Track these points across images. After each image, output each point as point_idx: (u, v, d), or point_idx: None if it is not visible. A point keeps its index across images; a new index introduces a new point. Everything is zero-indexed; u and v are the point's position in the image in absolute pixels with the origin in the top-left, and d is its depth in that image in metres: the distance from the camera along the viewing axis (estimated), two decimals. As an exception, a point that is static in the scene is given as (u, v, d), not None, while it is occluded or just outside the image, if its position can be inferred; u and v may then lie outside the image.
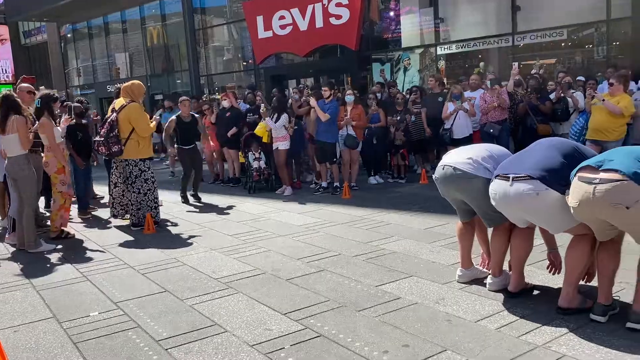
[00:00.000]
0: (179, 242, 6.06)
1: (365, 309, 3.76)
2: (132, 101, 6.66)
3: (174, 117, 8.42)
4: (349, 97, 8.65)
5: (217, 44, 19.40)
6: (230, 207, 7.89)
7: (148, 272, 4.94)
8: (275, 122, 8.58)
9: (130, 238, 6.40)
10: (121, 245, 6.07)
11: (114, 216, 7.11)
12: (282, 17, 14.94)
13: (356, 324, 3.53)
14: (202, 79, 18.99)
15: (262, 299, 4.08)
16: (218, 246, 5.70)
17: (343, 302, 3.92)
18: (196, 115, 8.69)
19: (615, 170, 2.99)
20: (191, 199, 8.50)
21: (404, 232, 5.83)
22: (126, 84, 6.88)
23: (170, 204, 8.36)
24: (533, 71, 10.32)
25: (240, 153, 9.63)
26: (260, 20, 15.45)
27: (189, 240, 6.07)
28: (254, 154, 9.01)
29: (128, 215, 6.91)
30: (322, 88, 8.58)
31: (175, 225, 6.94)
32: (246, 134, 9.25)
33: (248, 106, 10.18)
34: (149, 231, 6.53)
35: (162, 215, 7.25)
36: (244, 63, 18.27)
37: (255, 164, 9.01)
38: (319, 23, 14.11)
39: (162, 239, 6.20)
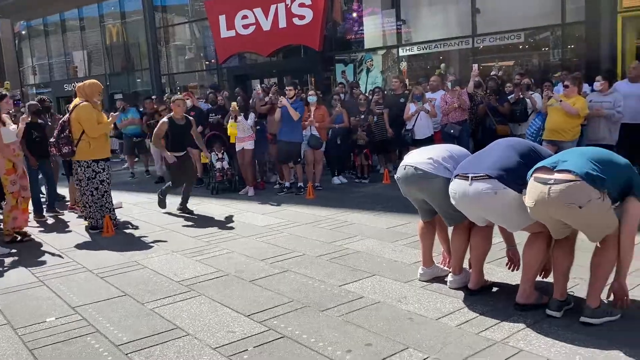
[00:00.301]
0: (139, 244, 5.94)
1: (328, 308, 3.78)
2: (86, 101, 6.50)
3: (165, 119, 7.30)
4: (312, 98, 8.68)
5: (178, 43, 19.14)
6: (192, 208, 7.78)
7: (107, 275, 4.83)
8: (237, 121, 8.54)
9: (89, 241, 6.24)
10: (79, 248, 5.92)
11: (85, 218, 6.94)
12: (245, 17, 14.87)
13: (320, 324, 3.53)
14: (164, 78, 18.69)
15: (225, 301, 4.04)
16: (180, 248, 5.62)
17: (307, 302, 3.92)
18: (190, 117, 7.63)
19: (569, 171, 3.09)
20: (171, 210, 7.59)
21: (367, 232, 5.87)
22: (81, 83, 6.73)
23: (130, 206, 8.19)
24: (492, 73, 10.56)
25: (202, 153, 9.51)
26: (222, 19, 15.33)
27: (149, 243, 5.96)
28: (217, 154, 8.92)
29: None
30: (286, 88, 8.58)
31: (136, 227, 6.81)
32: (209, 134, 9.15)
33: (209, 106, 10.07)
34: (108, 234, 6.38)
35: (122, 218, 7.10)
36: (207, 62, 18.10)
37: (218, 165, 8.92)
38: (282, 23, 14.11)
39: (122, 242, 6.07)
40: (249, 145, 8.66)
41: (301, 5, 13.68)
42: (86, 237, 6.40)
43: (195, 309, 3.92)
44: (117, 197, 8.31)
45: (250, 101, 9.35)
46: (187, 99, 9.62)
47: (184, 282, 4.53)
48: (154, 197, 8.26)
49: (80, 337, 3.53)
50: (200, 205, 8.00)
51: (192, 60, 18.78)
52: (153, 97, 12.24)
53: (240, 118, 8.50)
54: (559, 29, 11.12)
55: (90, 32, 21.03)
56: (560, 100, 7.04)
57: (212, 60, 17.27)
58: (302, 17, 13.74)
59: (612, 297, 3.39)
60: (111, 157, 7.26)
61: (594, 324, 3.26)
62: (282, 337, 3.37)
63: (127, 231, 6.63)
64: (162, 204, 7.62)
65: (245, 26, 14.90)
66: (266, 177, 9.75)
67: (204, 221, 6.90)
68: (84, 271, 5.01)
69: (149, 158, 11.61)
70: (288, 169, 8.72)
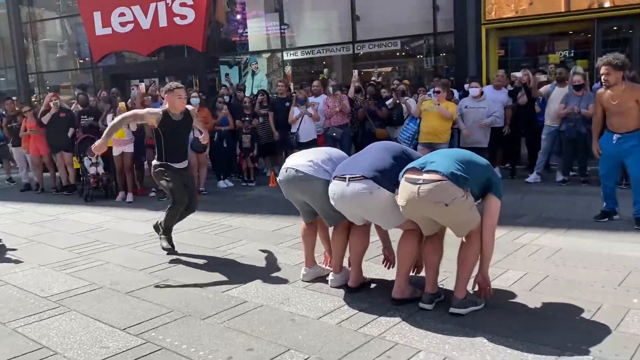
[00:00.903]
0: (0, 258, 5.40)
1: (210, 316, 3.69)
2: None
3: (158, 110, 5.04)
4: (195, 100, 8.45)
5: (48, 40, 17.74)
6: (63, 218, 7.24)
7: (-39, 295, 4.34)
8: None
9: (-61, 258, 5.58)
10: None
11: None
12: (122, 14, 14.21)
13: (200, 332, 3.44)
14: (32, 77, 17.24)
15: (99, 315, 3.80)
16: (48, 261, 5.19)
17: (187, 311, 3.80)
18: (190, 108, 5.31)
19: (436, 172, 3.29)
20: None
21: (253, 235, 5.84)
22: None
23: (-8, 217, 7.46)
24: (373, 78, 11.00)
25: (74, 158, 8.90)
26: (97, 16, 14.51)
27: (13, 257, 5.43)
28: (90, 159, 8.39)
29: None
30: (161, 89, 8.32)
31: (-2, 240, 6.20)
32: (81, 137, 8.57)
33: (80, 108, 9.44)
34: (-36, 248, 5.75)
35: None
36: (81, 61, 16.99)
37: (92, 170, 8.40)
38: (163, 22, 13.68)
39: (-20, 257, 5.49)
40: (129, 148, 8.27)
41: (182, 4, 13.35)
42: (-64, 254, 5.71)
43: (64, 325, 3.65)
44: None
45: (128, 102, 8.90)
46: (55, 100, 8.95)
47: (52, 297, 4.20)
48: (19, 207, 7.63)
49: None
50: (72, 214, 7.47)
51: (64, 58, 17.48)
52: (14, 97, 11.23)
53: None
54: (432, 38, 11.85)
55: (-58, 24, 18.82)
56: (438, 104, 7.51)
57: (87, 59, 16.25)
58: (183, 17, 13.41)
59: (476, 288, 3.66)
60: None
61: (461, 314, 3.49)
62: (160, 349, 3.23)
63: (-13, 245, 6.02)
64: (169, 242, 5.12)
65: (123, 24, 14.23)
66: (145, 183, 9.33)
67: (76, 231, 6.43)
68: None
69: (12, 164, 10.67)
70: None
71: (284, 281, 4.33)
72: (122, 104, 8.20)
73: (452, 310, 3.52)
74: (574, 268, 4.29)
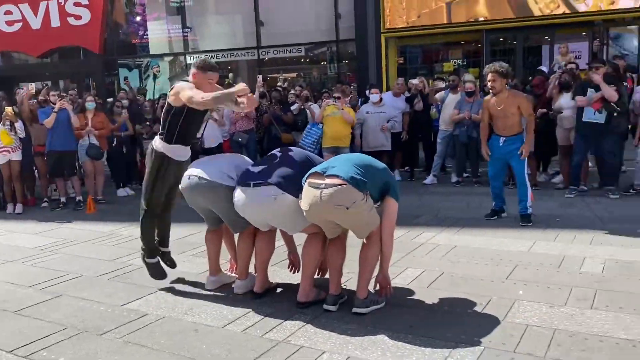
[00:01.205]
0: None
1: (108, 331, 3.52)
2: None
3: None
4: (90, 104, 8.06)
5: None
6: None
7: None
8: (11, 129, 7.54)
9: None
10: None
11: None
12: (8, 12, 13.30)
13: (97, 349, 3.28)
14: None
15: (-19, 337, 3.50)
16: None
17: (83, 327, 3.60)
18: None
19: (337, 176, 3.39)
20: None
21: (155, 245, 5.63)
22: None
23: None
24: (279, 84, 11.07)
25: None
26: (-20, 13, 13.43)
27: None
28: (-27, 169, 7.73)
29: None
30: (51, 93, 7.88)
31: None
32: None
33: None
34: None
35: None
36: (-38, 61, 15.59)
37: (-26, 180, 7.73)
38: (55, 22, 12.97)
39: None
40: (17, 156, 7.70)
41: (77, 4, 12.75)
42: None
43: (-60, 352, 3.33)
44: None
45: (15, 107, 8.28)
46: None
47: None
48: None
49: None
50: (-48, 228, 6.83)
51: (-60, 58, 15.99)
52: None
53: (19, 125, 7.52)
54: (334, 45, 12.15)
55: None
56: (342, 109, 7.70)
57: (-31, 59, 14.97)
58: (78, 17, 12.80)
59: (377, 287, 3.79)
60: None
61: (363, 313, 3.59)
62: (52, 370, 3.04)
63: None
64: (158, 269, 4.37)
65: (10, 23, 13.31)
66: (36, 193, 8.72)
67: (-44, 247, 5.90)
68: None
69: None
70: (63, 182, 7.97)
71: (187, 291, 4.22)
72: (9, 109, 7.64)
73: (354, 310, 3.61)
74: (467, 264, 4.57)
